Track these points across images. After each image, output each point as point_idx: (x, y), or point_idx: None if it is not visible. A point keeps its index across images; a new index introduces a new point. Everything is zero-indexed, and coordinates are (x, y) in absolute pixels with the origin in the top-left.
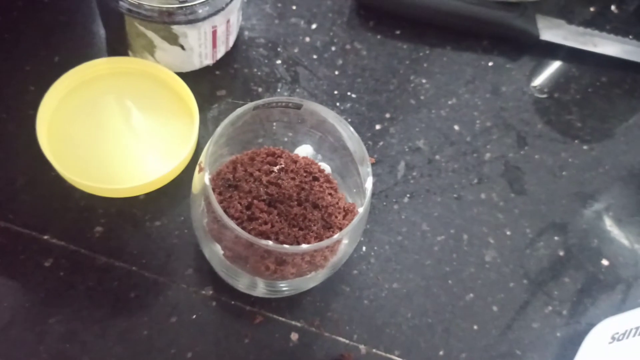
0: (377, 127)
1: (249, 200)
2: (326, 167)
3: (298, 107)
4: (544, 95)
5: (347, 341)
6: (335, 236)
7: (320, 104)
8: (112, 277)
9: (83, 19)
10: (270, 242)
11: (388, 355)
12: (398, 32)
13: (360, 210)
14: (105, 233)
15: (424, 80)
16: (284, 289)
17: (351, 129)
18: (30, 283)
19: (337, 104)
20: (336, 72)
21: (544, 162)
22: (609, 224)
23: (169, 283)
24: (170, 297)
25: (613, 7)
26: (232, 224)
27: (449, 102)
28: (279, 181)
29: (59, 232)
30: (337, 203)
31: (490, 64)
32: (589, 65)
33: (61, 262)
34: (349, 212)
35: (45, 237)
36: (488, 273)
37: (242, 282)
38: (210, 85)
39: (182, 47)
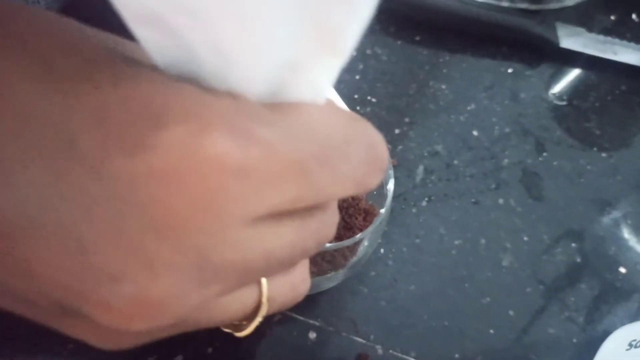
0: (397, 131)
1: None
2: None
3: None
4: (563, 103)
5: (364, 341)
6: (358, 236)
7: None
8: None
9: (106, 27)
10: None
11: (404, 356)
12: (418, 37)
13: (382, 211)
14: None
15: (443, 86)
16: None
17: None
18: None
19: (357, 107)
20: (357, 77)
21: (562, 168)
22: (626, 231)
23: None
24: None
25: (634, 16)
26: None
27: (468, 108)
28: None
29: None
30: (358, 205)
31: (509, 70)
32: (608, 73)
33: None
34: (368, 214)
35: None
36: (504, 277)
37: None
38: None
39: None
